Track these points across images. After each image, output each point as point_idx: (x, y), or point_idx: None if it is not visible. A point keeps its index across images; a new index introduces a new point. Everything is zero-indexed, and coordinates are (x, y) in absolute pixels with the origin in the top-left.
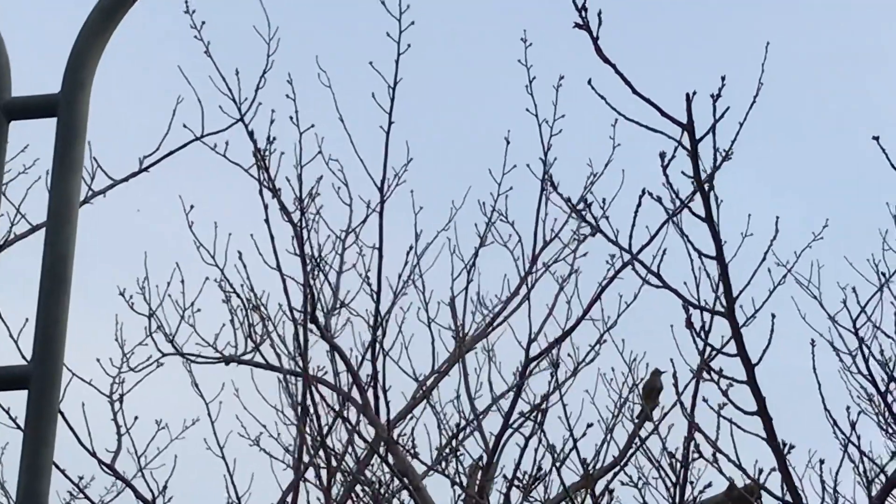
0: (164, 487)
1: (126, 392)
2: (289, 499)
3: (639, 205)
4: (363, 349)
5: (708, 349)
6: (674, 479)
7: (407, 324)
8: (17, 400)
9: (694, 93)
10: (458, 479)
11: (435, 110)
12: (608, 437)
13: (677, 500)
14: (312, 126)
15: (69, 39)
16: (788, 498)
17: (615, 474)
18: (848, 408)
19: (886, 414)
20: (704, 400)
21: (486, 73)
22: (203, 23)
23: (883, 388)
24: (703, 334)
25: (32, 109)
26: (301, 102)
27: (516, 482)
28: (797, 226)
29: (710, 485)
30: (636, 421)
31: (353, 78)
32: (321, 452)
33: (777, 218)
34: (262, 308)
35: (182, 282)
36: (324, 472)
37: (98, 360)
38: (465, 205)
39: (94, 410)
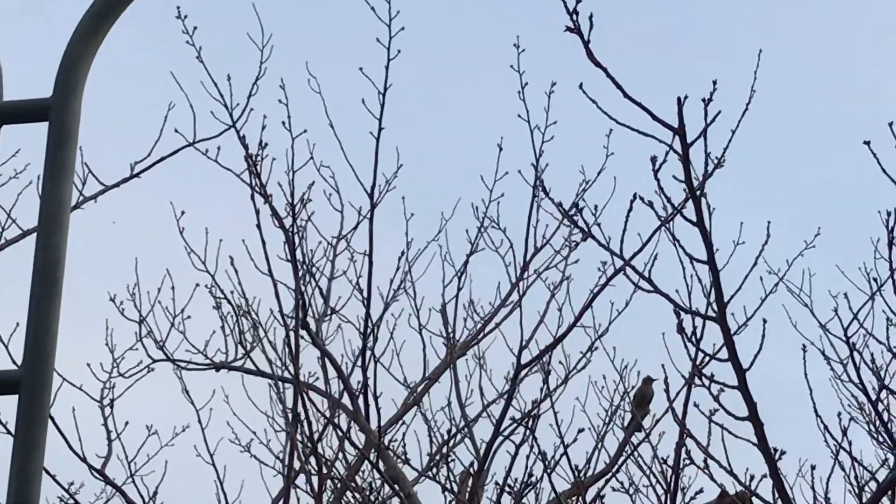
0: (155, 493)
1: (116, 397)
2: None
3: (630, 209)
4: (354, 356)
5: (699, 355)
6: (665, 485)
7: (398, 330)
8: (7, 405)
9: (685, 97)
10: (448, 486)
11: (426, 116)
12: (599, 445)
13: None
14: (305, 132)
15: (61, 44)
16: None
17: (606, 481)
18: (839, 414)
19: (877, 422)
20: (696, 405)
21: (477, 79)
22: (195, 28)
23: (874, 397)
24: (694, 339)
25: (24, 114)
26: (293, 108)
27: (507, 489)
28: (789, 234)
29: (701, 491)
30: (627, 429)
31: (344, 84)
32: (312, 459)
33: (769, 222)
34: (253, 314)
35: (172, 288)
36: (314, 479)
37: (89, 366)
38: (457, 211)
39: (85, 416)
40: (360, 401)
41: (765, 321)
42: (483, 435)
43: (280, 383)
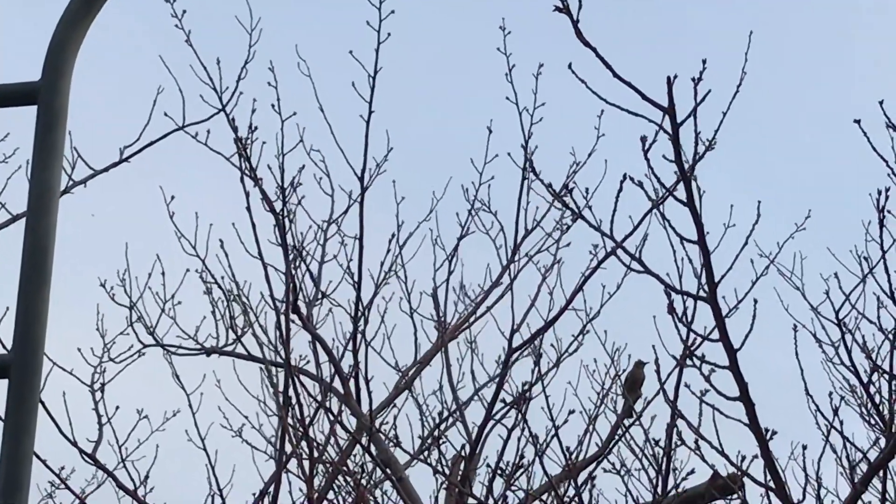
0: (146, 478)
1: (107, 382)
2: (271, 489)
3: (620, 190)
4: (345, 340)
5: (690, 335)
6: (656, 467)
7: (389, 314)
8: None
9: (675, 76)
10: (440, 469)
11: (415, 100)
12: (591, 428)
13: (660, 489)
14: (294, 114)
15: (50, 27)
16: (771, 484)
17: (598, 464)
18: (830, 394)
19: (869, 405)
20: (687, 386)
21: (466, 62)
22: (184, 12)
23: (866, 380)
24: (685, 320)
25: (12, 97)
26: (283, 93)
27: (499, 472)
28: (780, 218)
29: (692, 471)
30: (619, 413)
31: (334, 67)
32: (303, 443)
33: (759, 202)
34: (244, 298)
35: (163, 273)
36: (306, 463)
37: (79, 351)
38: (447, 194)
39: (75, 400)
40: (352, 385)
41: (755, 301)
42: (475, 418)
43: (271, 367)
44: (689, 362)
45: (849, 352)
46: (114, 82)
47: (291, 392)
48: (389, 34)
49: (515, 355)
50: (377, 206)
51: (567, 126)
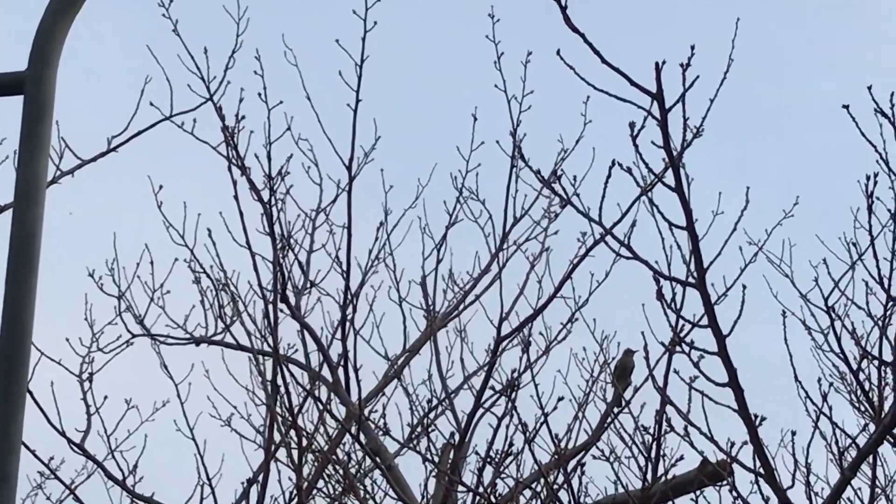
0: (135, 468)
1: (95, 372)
2: (260, 479)
3: (608, 176)
4: (334, 328)
5: (679, 322)
6: (646, 454)
7: (378, 303)
8: None
9: (663, 62)
10: (430, 458)
11: (403, 88)
12: (580, 415)
13: (650, 476)
14: (281, 102)
15: (36, 17)
16: (761, 470)
17: (587, 451)
18: (819, 380)
19: (858, 391)
20: (676, 372)
21: (454, 50)
22: (171, 1)
23: (855, 366)
24: (674, 306)
25: None
26: (270, 82)
27: (489, 460)
28: (768, 204)
29: (682, 458)
30: (608, 401)
31: (321, 56)
32: (292, 432)
33: (748, 188)
34: (232, 287)
35: (151, 262)
36: (295, 452)
37: (67, 340)
38: (435, 183)
39: (64, 391)
40: (341, 373)
41: (744, 287)
42: (464, 407)
43: (260, 356)
44: (678, 349)
45: (838, 338)
46: (101, 72)
47: (280, 381)
48: (376, 23)
49: (504, 343)
50: (365, 194)
51: (555, 114)
